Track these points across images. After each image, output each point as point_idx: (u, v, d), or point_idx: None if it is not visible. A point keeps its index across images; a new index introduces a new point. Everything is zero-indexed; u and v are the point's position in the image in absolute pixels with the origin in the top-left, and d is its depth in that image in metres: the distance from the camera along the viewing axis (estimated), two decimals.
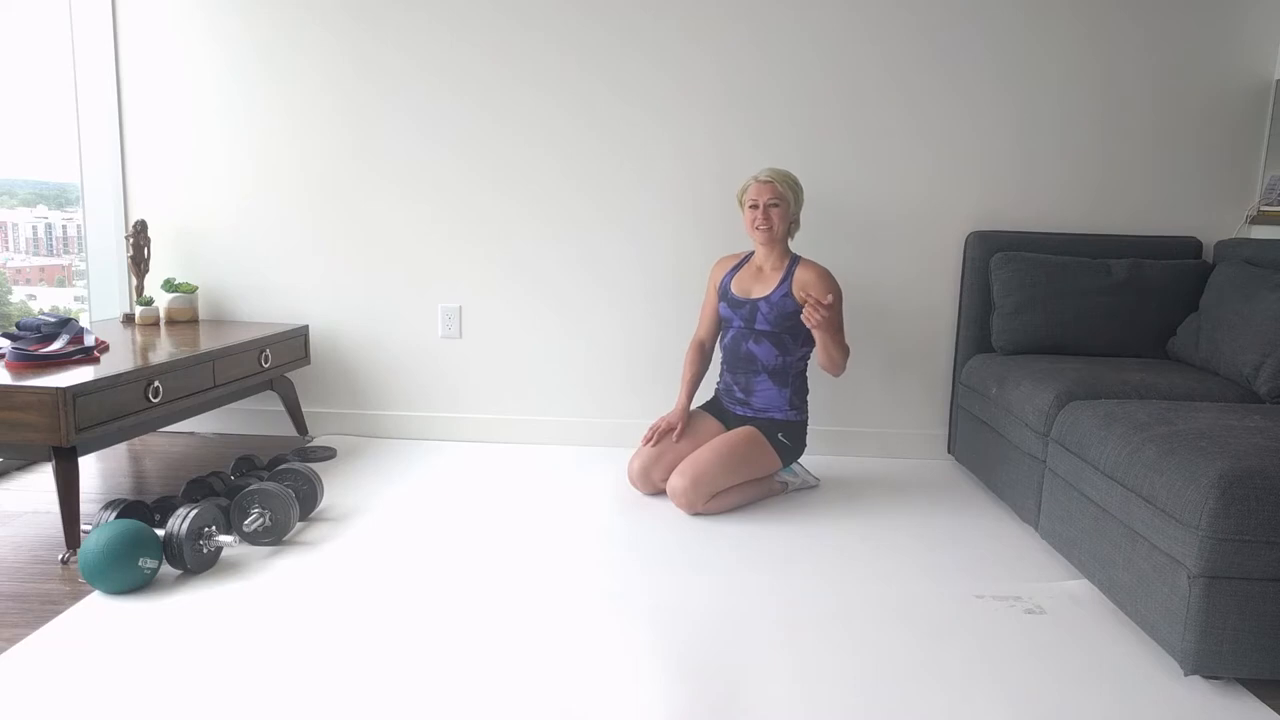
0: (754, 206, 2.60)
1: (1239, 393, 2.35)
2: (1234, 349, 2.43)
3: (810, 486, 2.80)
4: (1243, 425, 1.88)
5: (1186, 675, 1.69)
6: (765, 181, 2.59)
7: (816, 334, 2.48)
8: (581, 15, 3.00)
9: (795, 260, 2.64)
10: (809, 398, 2.76)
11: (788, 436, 2.64)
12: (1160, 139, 3.01)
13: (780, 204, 2.58)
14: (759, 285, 2.64)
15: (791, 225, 2.66)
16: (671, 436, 2.66)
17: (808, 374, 2.71)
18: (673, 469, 2.56)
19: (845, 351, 2.55)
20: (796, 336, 2.62)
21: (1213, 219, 3.04)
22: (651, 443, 2.66)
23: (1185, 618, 1.64)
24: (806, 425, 2.71)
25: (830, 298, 2.41)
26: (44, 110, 3.14)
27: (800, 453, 2.70)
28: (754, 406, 2.66)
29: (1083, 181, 3.04)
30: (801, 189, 2.65)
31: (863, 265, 3.10)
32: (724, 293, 2.70)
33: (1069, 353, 2.80)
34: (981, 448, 2.76)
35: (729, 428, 2.70)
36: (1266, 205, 2.97)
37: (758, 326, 2.62)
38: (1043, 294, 2.80)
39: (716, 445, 2.55)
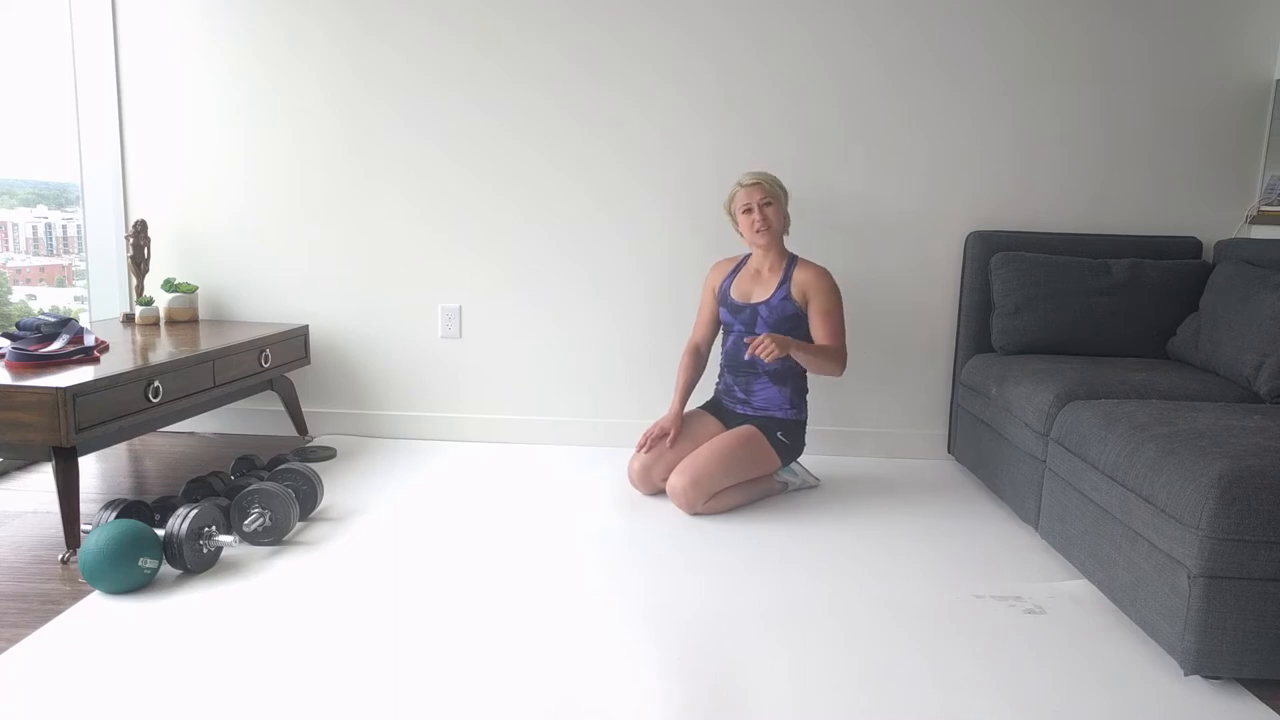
0: (748, 211, 2.60)
1: (1239, 393, 2.35)
2: (1234, 349, 2.43)
3: (810, 486, 2.80)
4: (1243, 425, 1.88)
5: (1186, 675, 1.69)
6: (752, 184, 2.59)
7: (794, 357, 2.51)
8: (581, 19, 3.00)
9: (793, 261, 2.64)
10: (808, 398, 2.77)
11: (786, 435, 2.64)
12: (1160, 139, 3.01)
13: (773, 201, 2.60)
14: (758, 289, 2.64)
15: (785, 221, 2.67)
16: (666, 441, 2.66)
17: (807, 375, 2.71)
18: (672, 469, 2.56)
19: (832, 356, 2.55)
20: (797, 339, 2.62)
21: (1213, 219, 3.04)
22: (645, 449, 2.65)
23: (1185, 618, 1.64)
24: (805, 425, 2.71)
25: (760, 337, 2.43)
26: (44, 110, 3.14)
27: (799, 452, 2.70)
28: (754, 405, 2.66)
29: (1082, 182, 3.04)
30: (785, 187, 2.67)
31: (863, 265, 3.10)
32: (723, 297, 2.70)
33: (1069, 353, 2.80)
34: (981, 448, 2.76)
35: (728, 427, 2.70)
36: (1266, 205, 2.97)
37: (758, 331, 2.61)
38: (1043, 294, 2.80)
39: (716, 445, 2.55)
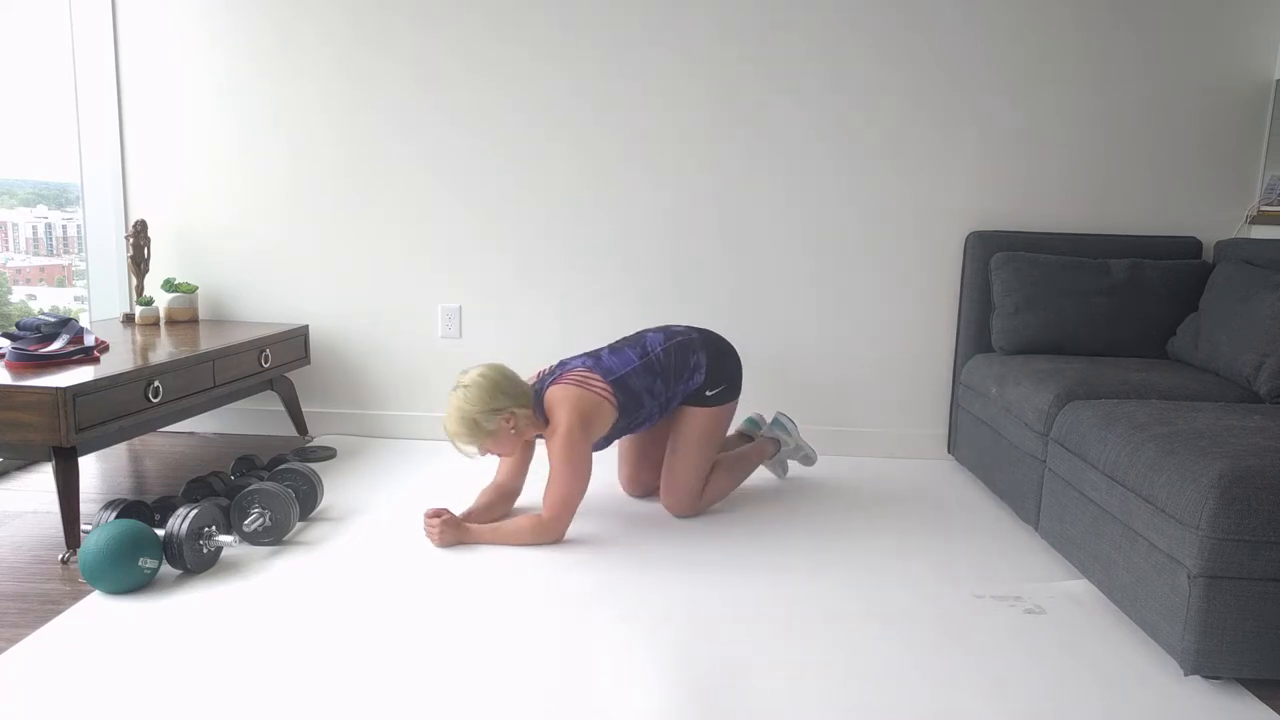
0: None
1: (1239, 393, 2.35)
2: (1234, 349, 2.43)
3: (806, 457, 2.78)
4: (1243, 425, 1.88)
5: (1186, 675, 1.69)
6: (451, 444, 2.33)
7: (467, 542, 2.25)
8: (579, 27, 3.00)
9: (548, 422, 2.32)
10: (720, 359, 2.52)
11: (711, 386, 2.44)
12: (1160, 139, 3.01)
13: (477, 445, 2.24)
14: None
15: (512, 423, 2.24)
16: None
17: (718, 350, 2.49)
18: (659, 467, 2.57)
19: (525, 536, 2.26)
20: (666, 399, 2.43)
21: (1213, 219, 3.04)
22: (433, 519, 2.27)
23: (1185, 618, 1.64)
24: (727, 360, 2.48)
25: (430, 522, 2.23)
26: (44, 110, 3.15)
27: (737, 385, 2.50)
28: (672, 408, 2.48)
29: (1082, 181, 3.04)
30: (476, 415, 2.18)
31: (863, 266, 3.10)
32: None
33: (1069, 353, 2.80)
34: (981, 448, 2.76)
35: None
36: (1266, 205, 2.97)
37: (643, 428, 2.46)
38: (1043, 294, 2.80)
39: (675, 447, 2.46)
